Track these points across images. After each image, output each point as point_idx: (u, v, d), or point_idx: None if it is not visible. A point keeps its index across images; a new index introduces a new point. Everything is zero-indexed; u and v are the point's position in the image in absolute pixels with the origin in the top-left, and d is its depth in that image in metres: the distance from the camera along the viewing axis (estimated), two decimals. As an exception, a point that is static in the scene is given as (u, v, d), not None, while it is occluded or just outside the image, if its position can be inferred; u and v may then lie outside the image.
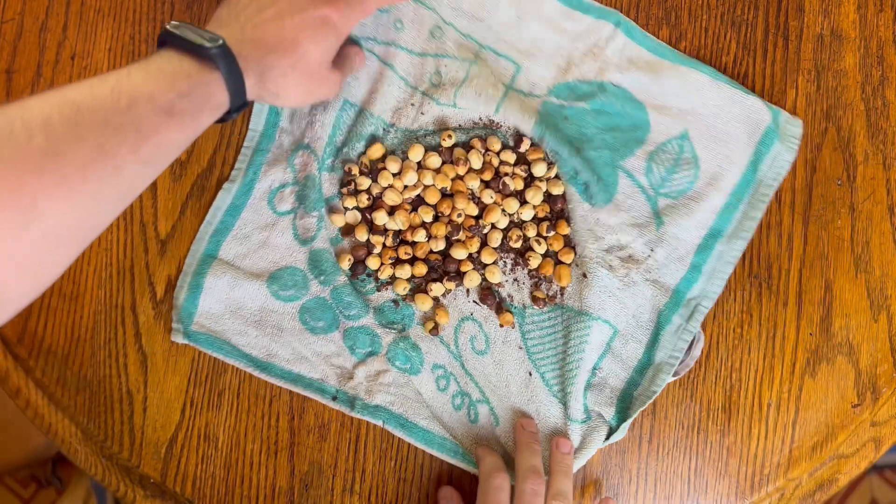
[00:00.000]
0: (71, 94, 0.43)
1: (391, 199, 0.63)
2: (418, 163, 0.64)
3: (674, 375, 0.63)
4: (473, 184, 0.64)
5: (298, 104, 0.58)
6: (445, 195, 0.64)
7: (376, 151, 0.64)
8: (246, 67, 0.50)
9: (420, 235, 0.63)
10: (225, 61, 0.49)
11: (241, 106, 0.52)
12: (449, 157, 0.64)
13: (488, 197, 0.63)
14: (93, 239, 0.46)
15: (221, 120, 0.52)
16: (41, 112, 0.42)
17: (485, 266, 0.64)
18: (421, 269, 0.63)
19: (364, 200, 0.64)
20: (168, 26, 0.49)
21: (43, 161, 0.41)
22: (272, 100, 0.54)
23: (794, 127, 0.64)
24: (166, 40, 0.49)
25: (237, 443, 0.64)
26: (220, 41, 0.49)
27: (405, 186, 0.64)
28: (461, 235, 0.63)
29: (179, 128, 0.47)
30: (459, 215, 0.64)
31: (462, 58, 0.64)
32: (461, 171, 0.63)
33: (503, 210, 0.64)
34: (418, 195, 0.64)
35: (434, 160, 0.64)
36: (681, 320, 0.63)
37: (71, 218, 0.43)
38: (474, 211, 0.64)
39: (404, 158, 0.64)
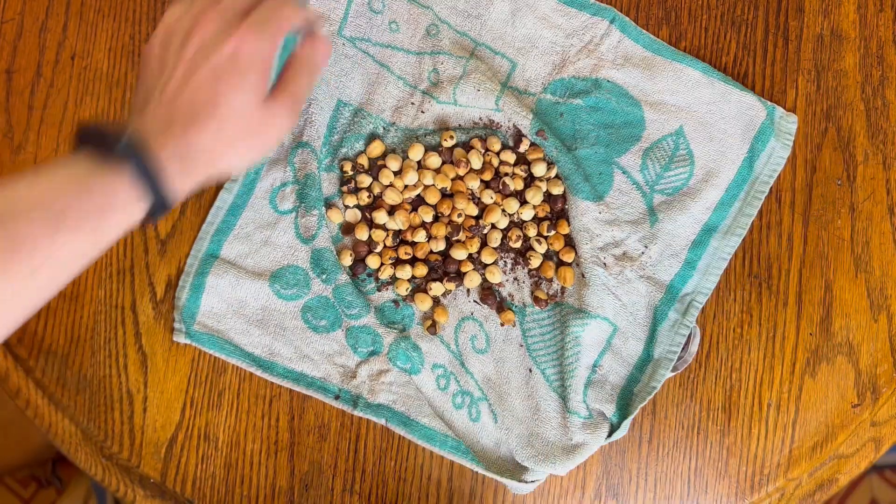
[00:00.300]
0: None
1: (391, 198, 0.63)
2: (418, 162, 0.64)
3: (672, 371, 0.63)
4: (473, 184, 0.64)
5: (248, 164, 0.51)
6: (445, 195, 0.64)
7: (376, 149, 0.64)
8: (164, 156, 0.44)
9: (420, 236, 0.63)
10: (131, 157, 0.43)
11: (166, 204, 0.45)
12: (449, 158, 0.64)
13: (488, 197, 0.63)
14: None
15: (150, 220, 0.46)
16: None
17: (485, 266, 0.64)
18: (421, 270, 0.63)
19: (364, 198, 0.64)
20: (79, 124, 0.44)
21: None
22: (214, 174, 0.47)
23: (789, 123, 0.64)
24: (79, 140, 0.45)
25: (237, 443, 0.64)
26: (125, 136, 0.43)
27: (405, 186, 0.64)
28: (461, 236, 0.63)
29: (71, 238, 0.41)
30: (460, 215, 0.64)
31: (458, 55, 0.64)
32: (461, 171, 0.63)
33: (503, 210, 0.64)
34: (418, 195, 0.64)
35: (434, 160, 0.64)
36: (677, 315, 0.63)
37: None
38: (474, 211, 0.64)
39: (405, 158, 0.64)
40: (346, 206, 0.64)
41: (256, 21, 0.47)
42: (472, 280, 0.63)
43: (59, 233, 0.41)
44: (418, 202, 0.64)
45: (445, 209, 0.63)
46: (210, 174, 0.47)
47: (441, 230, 0.63)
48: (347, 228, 0.65)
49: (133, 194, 0.43)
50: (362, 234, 0.64)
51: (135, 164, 0.43)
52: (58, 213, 0.41)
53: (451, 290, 0.64)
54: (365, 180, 0.64)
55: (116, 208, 0.43)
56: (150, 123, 0.45)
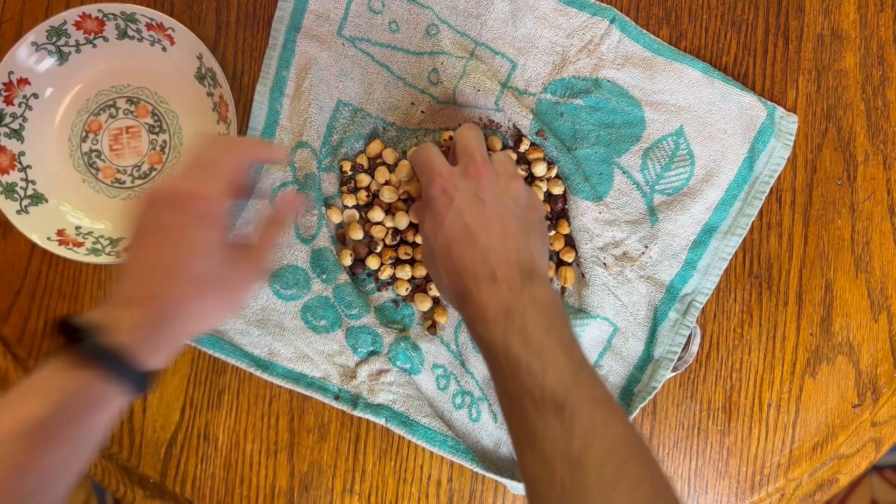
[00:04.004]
0: None
1: (388, 196, 0.63)
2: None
3: (673, 371, 0.63)
4: None
5: (220, 322, 0.52)
6: None
7: (375, 148, 0.64)
8: (138, 341, 0.44)
9: (420, 238, 0.63)
10: (102, 353, 0.43)
11: (146, 387, 0.46)
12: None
13: None
14: None
15: (136, 398, 0.47)
16: None
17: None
18: (421, 271, 0.63)
19: (363, 197, 0.64)
20: (56, 321, 0.45)
21: None
22: (188, 338, 0.49)
23: (789, 123, 0.64)
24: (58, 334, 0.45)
25: (237, 443, 0.64)
26: (86, 333, 0.43)
27: (400, 181, 0.63)
28: None
29: (63, 446, 0.42)
30: None
31: (458, 55, 0.64)
32: None
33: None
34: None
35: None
36: (677, 315, 0.63)
37: None
38: None
39: (402, 156, 0.64)
40: (346, 206, 0.64)
41: (194, 178, 0.48)
42: None
43: (52, 449, 0.41)
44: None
45: None
46: (184, 340, 0.49)
47: None
48: (341, 237, 0.64)
49: (113, 389, 0.44)
50: (356, 234, 0.63)
51: (106, 363, 0.43)
52: (32, 429, 0.41)
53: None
54: (364, 179, 0.64)
55: (103, 407, 0.44)
56: (121, 309, 0.45)
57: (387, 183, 0.64)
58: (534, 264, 0.49)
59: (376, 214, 0.63)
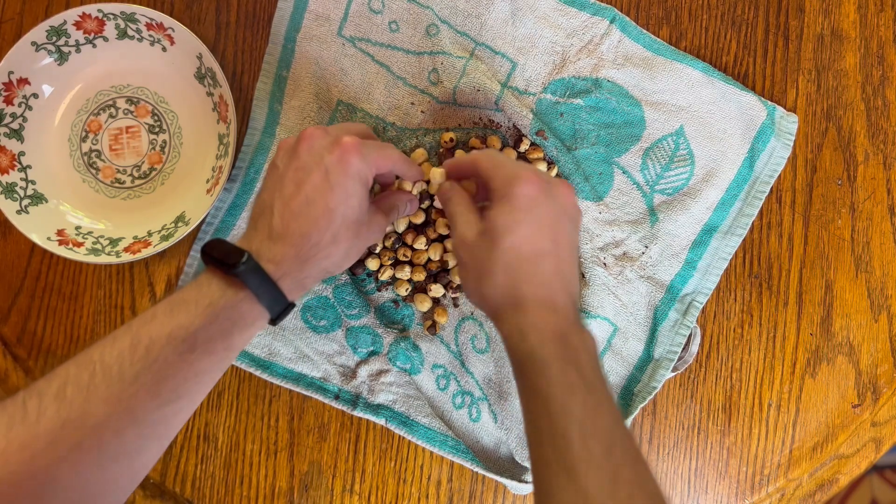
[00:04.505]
0: (94, 354, 0.44)
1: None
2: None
3: (673, 371, 0.63)
4: None
5: (350, 263, 0.54)
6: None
7: (376, 151, 0.64)
8: (281, 273, 0.48)
9: (420, 243, 0.63)
10: (253, 278, 0.47)
11: (285, 310, 0.49)
12: (449, 158, 0.64)
13: None
14: (140, 478, 0.46)
15: (274, 323, 0.50)
16: (58, 380, 0.43)
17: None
18: (420, 275, 0.63)
19: None
20: (203, 246, 0.48)
21: (54, 434, 0.41)
22: (328, 274, 0.52)
23: (789, 123, 0.64)
24: (203, 260, 0.49)
25: (237, 443, 0.64)
26: (245, 257, 0.47)
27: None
28: None
29: (205, 358, 0.45)
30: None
31: (458, 55, 0.64)
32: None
33: None
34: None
35: (436, 173, 0.64)
36: (677, 315, 0.63)
37: (98, 479, 0.43)
38: None
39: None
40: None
41: (363, 144, 0.50)
42: None
43: (191, 355, 0.45)
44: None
45: (442, 228, 0.63)
46: (322, 276, 0.51)
47: (437, 249, 0.63)
48: None
49: (256, 312, 0.47)
50: None
51: (257, 284, 0.47)
52: (190, 338, 0.45)
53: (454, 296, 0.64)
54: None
55: (243, 324, 0.47)
56: (267, 241, 0.48)
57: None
58: (577, 294, 0.49)
59: None
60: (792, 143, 0.65)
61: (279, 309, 0.48)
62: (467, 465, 0.62)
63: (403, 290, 0.64)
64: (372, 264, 0.64)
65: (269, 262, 0.47)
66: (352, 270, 0.64)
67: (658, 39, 0.65)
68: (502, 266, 0.47)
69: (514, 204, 0.48)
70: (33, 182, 0.63)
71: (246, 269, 0.46)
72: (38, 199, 0.63)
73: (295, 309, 0.63)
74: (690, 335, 0.63)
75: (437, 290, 0.63)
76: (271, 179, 0.50)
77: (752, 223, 0.65)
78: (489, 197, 0.50)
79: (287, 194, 0.49)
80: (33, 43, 0.61)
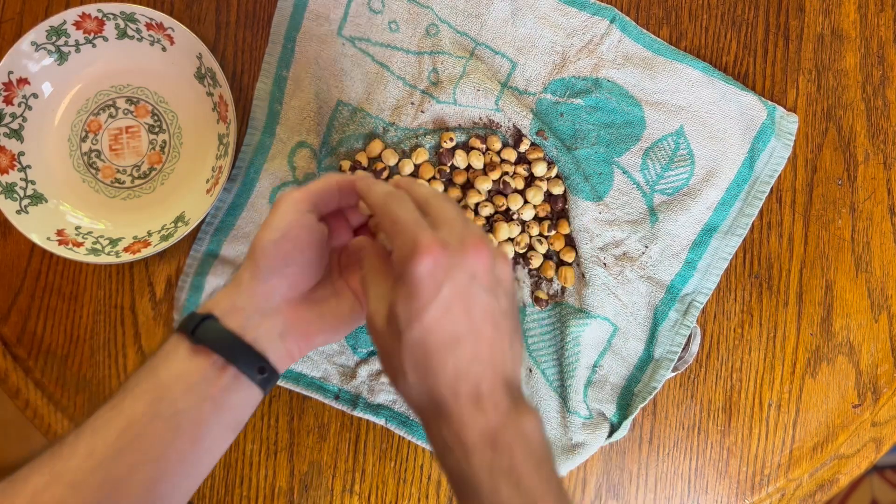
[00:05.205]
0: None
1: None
2: (417, 165, 0.64)
3: (673, 371, 0.63)
4: (485, 185, 0.63)
5: (344, 335, 0.51)
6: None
7: (375, 148, 0.64)
8: (263, 337, 0.46)
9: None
10: (234, 359, 0.45)
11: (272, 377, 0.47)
12: (450, 159, 0.64)
13: (494, 207, 0.63)
14: None
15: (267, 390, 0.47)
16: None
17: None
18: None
19: None
20: (179, 324, 0.46)
21: None
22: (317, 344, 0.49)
23: (790, 123, 0.64)
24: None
25: (237, 443, 0.64)
26: (218, 333, 0.45)
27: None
28: None
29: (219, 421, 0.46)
30: None
31: (458, 55, 0.64)
32: (471, 200, 0.63)
33: (511, 215, 0.64)
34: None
35: (438, 185, 0.64)
36: (677, 315, 0.63)
37: None
38: (481, 223, 0.64)
39: (403, 156, 0.64)
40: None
41: (294, 191, 0.48)
42: None
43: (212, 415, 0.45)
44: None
45: None
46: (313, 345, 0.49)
47: None
48: None
49: (218, 369, 0.45)
50: None
51: (203, 339, 0.45)
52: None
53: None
54: (365, 180, 0.64)
55: (237, 404, 0.46)
56: (263, 318, 0.46)
57: (384, 178, 0.64)
58: (517, 376, 0.42)
59: None
60: (792, 143, 0.65)
61: (272, 377, 0.47)
62: (467, 465, 0.62)
63: (403, 290, 0.63)
64: (372, 264, 0.64)
65: (252, 343, 0.46)
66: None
67: (658, 39, 0.65)
68: (411, 364, 0.41)
69: (413, 288, 0.40)
70: (33, 182, 0.63)
71: (205, 331, 0.45)
72: (37, 199, 0.63)
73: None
74: (690, 335, 0.63)
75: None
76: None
77: (753, 223, 0.65)
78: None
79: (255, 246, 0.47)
80: (33, 43, 0.61)
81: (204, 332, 0.45)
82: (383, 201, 0.43)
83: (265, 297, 0.46)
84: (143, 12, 0.61)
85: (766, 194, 0.64)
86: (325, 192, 0.47)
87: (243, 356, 0.45)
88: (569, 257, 0.64)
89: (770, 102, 0.65)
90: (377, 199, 0.44)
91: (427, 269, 0.40)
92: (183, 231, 0.60)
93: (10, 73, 0.60)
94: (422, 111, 0.65)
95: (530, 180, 0.65)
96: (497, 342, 0.41)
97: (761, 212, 0.65)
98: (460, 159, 0.64)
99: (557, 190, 0.64)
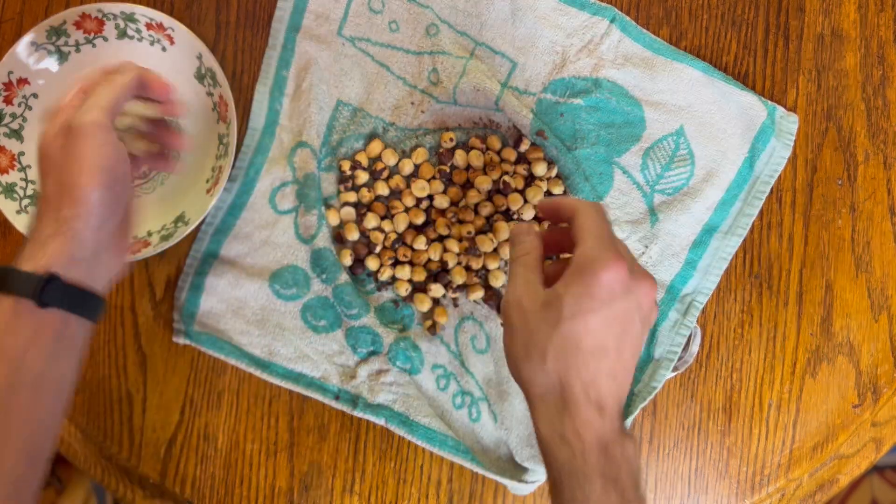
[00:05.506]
0: None
1: (393, 205, 0.64)
2: (417, 166, 0.64)
3: (673, 371, 0.63)
4: (485, 186, 0.63)
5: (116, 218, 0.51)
6: (452, 204, 0.64)
7: (375, 148, 0.64)
8: (100, 278, 0.47)
9: (420, 243, 0.63)
10: (41, 297, 0.44)
11: (99, 309, 0.48)
12: (450, 159, 0.64)
13: (494, 206, 0.63)
14: None
15: (96, 318, 0.48)
16: None
17: (488, 271, 0.64)
18: (420, 276, 0.63)
19: (366, 193, 0.64)
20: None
21: None
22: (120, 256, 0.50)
23: (790, 123, 0.64)
24: None
25: (237, 443, 0.64)
26: (45, 281, 0.45)
27: (404, 179, 0.63)
28: (462, 259, 0.63)
29: (42, 397, 0.46)
30: (469, 233, 0.63)
31: (458, 55, 0.64)
32: (471, 200, 0.63)
33: (510, 215, 0.64)
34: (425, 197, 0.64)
35: (438, 185, 0.64)
36: (677, 315, 0.63)
37: None
38: (481, 222, 0.64)
39: (403, 156, 0.64)
40: (344, 204, 0.64)
41: (89, 108, 0.48)
42: (476, 292, 0.63)
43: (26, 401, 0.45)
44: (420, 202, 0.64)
45: (442, 228, 0.63)
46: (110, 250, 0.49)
47: (437, 249, 0.63)
48: (339, 237, 0.64)
49: (63, 322, 0.46)
50: (352, 234, 0.63)
51: (51, 301, 0.45)
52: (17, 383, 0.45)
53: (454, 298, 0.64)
54: (363, 177, 0.64)
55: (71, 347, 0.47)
56: (39, 231, 0.47)
57: (384, 178, 0.64)
58: (624, 402, 0.46)
59: (371, 221, 0.63)
60: (792, 143, 0.65)
61: (98, 311, 0.48)
62: (467, 465, 0.62)
63: (403, 290, 0.63)
64: (372, 264, 0.64)
65: (57, 274, 0.46)
66: (352, 270, 0.64)
67: (658, 39, 0.65)
68: (557, 351, 0.43)
69: (591, 290, 0.43)
70: (33, 182, 0.63)
71: (52, 293, 0.45)
72: (37, 199, 0.63)
73: (294, 308, 0.63)
74: (690, 335, 0.63)
75: (437, 290, 0.63)
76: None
77: (753, 223, 0.65)
78: (568, 249, 0.46)
79: (43, 191, 0.48)
80: (33, 43, 0.61)
81: (52, 294, 0.45)
82: (589, 212, 0.46)
83: (101, 242, 0.47)
84: (143, 12, 0.61)
85: (766, 194, 0.64)
86: (121, 100, 0.50)
87: (91, 306, 0.47)
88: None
89: (770, 102, 0.65)
90: (580, 208, 0.46)
91: (612, 278, 0.43)
92: (183, 231, 0.60)
93: (10, 73, 0.60)
94: (422, 111, 0.65)
95: (530, 180, 0.65)
96: (628, 371, 0.45)
97: (761, 212, 0.65)
98: (460, 159, 0.64)
99: (557, 190, 0.64)
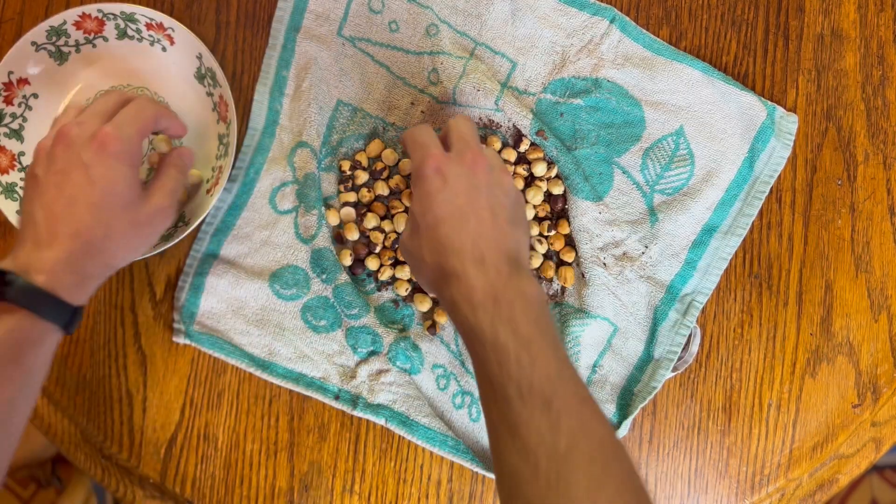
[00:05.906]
0: None
1: (393, 205, 0.63)
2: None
3: (673, 371, 0.63)
4: None
5: (139, 255, 0.54)
6: None
7: (375, 148, 0.64)
8: (56, 281, 0.47)
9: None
10: (24, 296, 0.46)
11: (74, 316, 0.49)
12: None
13: None
14: None
15: (69, 331, 0.49)
16: None
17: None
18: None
19: (365, 193, 0.64)
20: None
21: None
22: (110, 271, 0.52)
23: (789, 123, 0.64)
24: None
25: (237, 443, 0.64)
26: (7, 277, 0.46)
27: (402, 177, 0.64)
28: None
29: (2, 387, 0.46)
30: None
31: (458, 55, 0.64)
32: None
33: None
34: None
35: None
36: (677, 315, 0.63)
37: None
38: None
39: (403, 156, 0.64)
40: (344, 204, 0.64)
41: (119, 127, 0.50)
42: None
43: None
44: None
45: None
46: (106, 273, 0.51)
47: None
48: (339, 236, 0.64)
49: (41, 327, 0.47)
50: (352, 235, 0.63)
51: (30, 303, 0.46)
52: None
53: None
54: (363, 176, 0.64)
55: (34, 346, 0.47)
56: (34, 248, 0.48)
57: (384, 178, 0.64)
58: (520, 256, 0.49)
59: (371, 221, 0.63)
60: (792, 143, 0.65)
61: (66, 317, 0.48)
62: (467, 465, 0.62)
63: (403, 290, 0.64)
64: (372, 264, 0.64)
65: (39, 272, 0.47)
66: (352, 270, 0.64)
67: (658, 39, 0.65)
68: (429, 248, 0.48)
69: (423, 186, 0.49)
70: (33, 182, 0.63)
71: (13, 288, 0.46)
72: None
73: (295, 308, 0.63)
74: (690, 335, 0.63)
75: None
76: (32, 190, 0.50)
77: (752, 223, 0.65)
78: None
79: (49, 199, 0.48)
80: (33, 43, 0.61)
81: (11, 291, 0.46)
82: (406, 134, 0.52)
83: (80, 253, 0.49)
84: (143, 12, 0.61)
85: (766, 194, 0.64)
86: (147, 132, 0.53)
87: (56, 311, 0.48)
88: (568, 257, 0.64)
89: (770, 102, 0.65)
90: (406, 135, 0.52)
91: (433, 168, 0.49)
92: (183, 231, 0.60)
93: (10, 73, 0.60)
94: (422, 111, 0.65)
95: (530, 180, 0.65)
96: (497, 226, 0.48)
97: (761, 212, 0.65)
98: (460, 159, 0.64)
99: (557, 190, 0.64)
